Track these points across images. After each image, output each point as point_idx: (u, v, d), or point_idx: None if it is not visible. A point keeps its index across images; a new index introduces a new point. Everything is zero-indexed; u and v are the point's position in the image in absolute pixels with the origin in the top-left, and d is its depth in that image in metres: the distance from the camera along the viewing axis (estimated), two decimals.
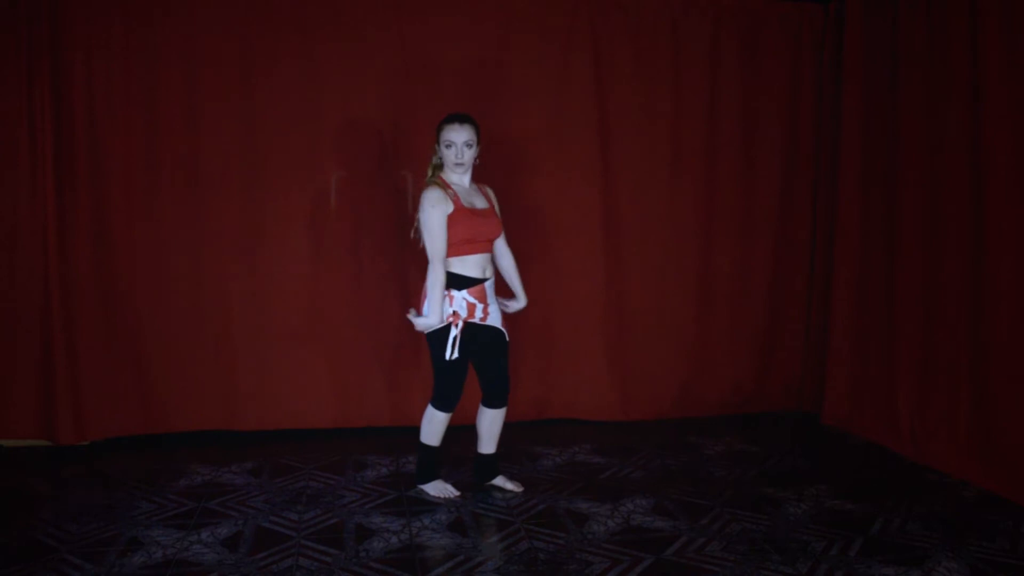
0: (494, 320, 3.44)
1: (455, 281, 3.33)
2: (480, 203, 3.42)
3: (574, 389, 4.64)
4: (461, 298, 3.32)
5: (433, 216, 3.26)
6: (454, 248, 3.32)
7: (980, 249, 3.71)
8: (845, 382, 4.60)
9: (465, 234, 3.31)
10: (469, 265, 3.35)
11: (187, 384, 4.19)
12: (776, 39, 4.70)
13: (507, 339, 3.50)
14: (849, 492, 3.61)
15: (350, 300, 4.32)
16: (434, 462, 3.58)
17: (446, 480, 3.60)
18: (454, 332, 3.32)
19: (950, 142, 3.87)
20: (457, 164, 3.34)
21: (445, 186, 3.34)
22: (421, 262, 4.29)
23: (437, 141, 3.38)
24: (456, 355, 3.33)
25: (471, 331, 3.36)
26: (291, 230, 4.22)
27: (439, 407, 3.44)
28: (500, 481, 3.63)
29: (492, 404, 3.53)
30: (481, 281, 3.37)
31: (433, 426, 3.48)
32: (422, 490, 3.56)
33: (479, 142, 3.39)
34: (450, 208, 3.28)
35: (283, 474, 3.78)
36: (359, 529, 3.16)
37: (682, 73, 4.59)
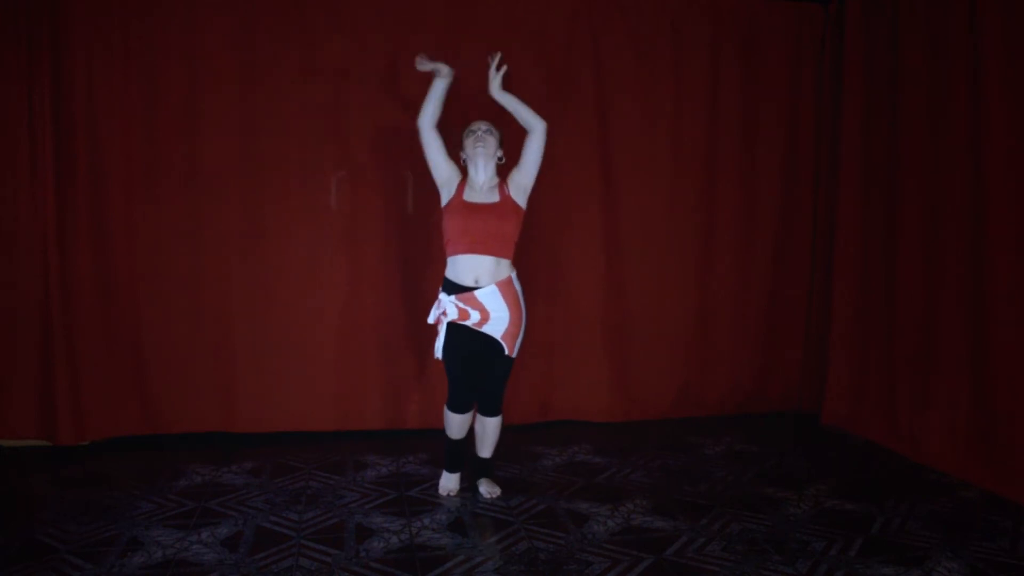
0: (491, 330, 3.34)
1: (445, 284, 3.37)
2: (487, 198, 3.37)
3: (576, 391, 4.64)
4: (448, 301, 3.31)
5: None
6: (448, 245, 3.36)
7: (980, 249, 3.71)
8: (845, 382, 4.61)
9: (454, 230, 3.32)
10: (459, 269, 3.31)
11: (187, 385, 4.19)
12: (776, 39, 4.70)
13: (506, 352, 3.38)
14: (849, 492, 3.61)
15: (350, 301, 4.31)
16: (450, 453, 3.58)
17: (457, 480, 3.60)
18: (440, 331, 3.37)
19: (950, 143, 3.87)
20: (478, 143, 3.35)
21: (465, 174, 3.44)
22: (420, 261, 4.31)
23: (462, 147, 3.43)
24: (439, 355, 3.37)
25: (463, 335, 3.34)
26: (291, 230, 4.22)
27: (447, 405, 3.48)
28: (480, 483, 3.61)
29: (481, 411, 3.52)
30: (469, 289, 3.30)
31: (446, 421, 3.52)
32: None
33: (500, 146, 3.43)
34: (451, 187, 3.36)
35: (283, 474, 3.79)
36: (359, 529, 3.16)
37: (682, 74, 4.59)
